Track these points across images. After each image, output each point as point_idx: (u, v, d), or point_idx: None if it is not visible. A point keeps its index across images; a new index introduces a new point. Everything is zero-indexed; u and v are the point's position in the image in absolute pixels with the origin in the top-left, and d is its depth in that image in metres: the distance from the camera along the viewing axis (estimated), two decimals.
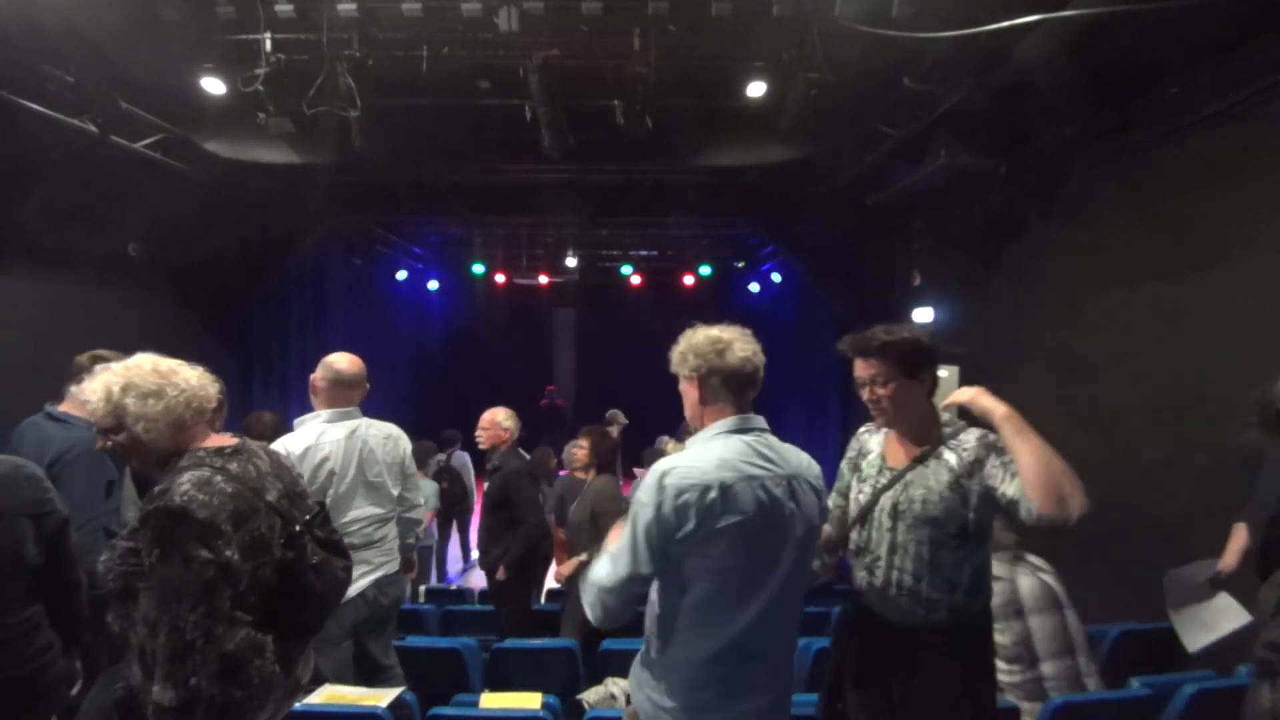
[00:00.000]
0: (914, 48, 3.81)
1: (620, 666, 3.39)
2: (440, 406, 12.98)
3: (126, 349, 1.85)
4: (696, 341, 1.86)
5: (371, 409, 3.19)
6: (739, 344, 1.83)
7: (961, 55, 3.94)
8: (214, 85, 4.66)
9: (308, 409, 3.10)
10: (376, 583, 2.96)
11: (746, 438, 1.79)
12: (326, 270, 9.73)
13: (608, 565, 1.73)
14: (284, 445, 2.83)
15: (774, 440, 1.84)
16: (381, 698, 2.50)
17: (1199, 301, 3.72)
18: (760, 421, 1.84)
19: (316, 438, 2.87)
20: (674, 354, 1.90)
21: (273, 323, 8.61)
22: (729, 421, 1.81)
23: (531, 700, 2.79)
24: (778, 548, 1.76)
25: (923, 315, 6.97)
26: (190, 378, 1.79)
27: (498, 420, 4.28)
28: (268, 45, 4.22)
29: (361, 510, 2.95)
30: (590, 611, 1.75)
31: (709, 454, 1.74)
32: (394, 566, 3.09)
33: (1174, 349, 3.86)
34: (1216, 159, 3.63)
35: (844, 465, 2.39)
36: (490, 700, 2.82)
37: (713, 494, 1.67)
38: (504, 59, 4.53)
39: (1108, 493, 4.28)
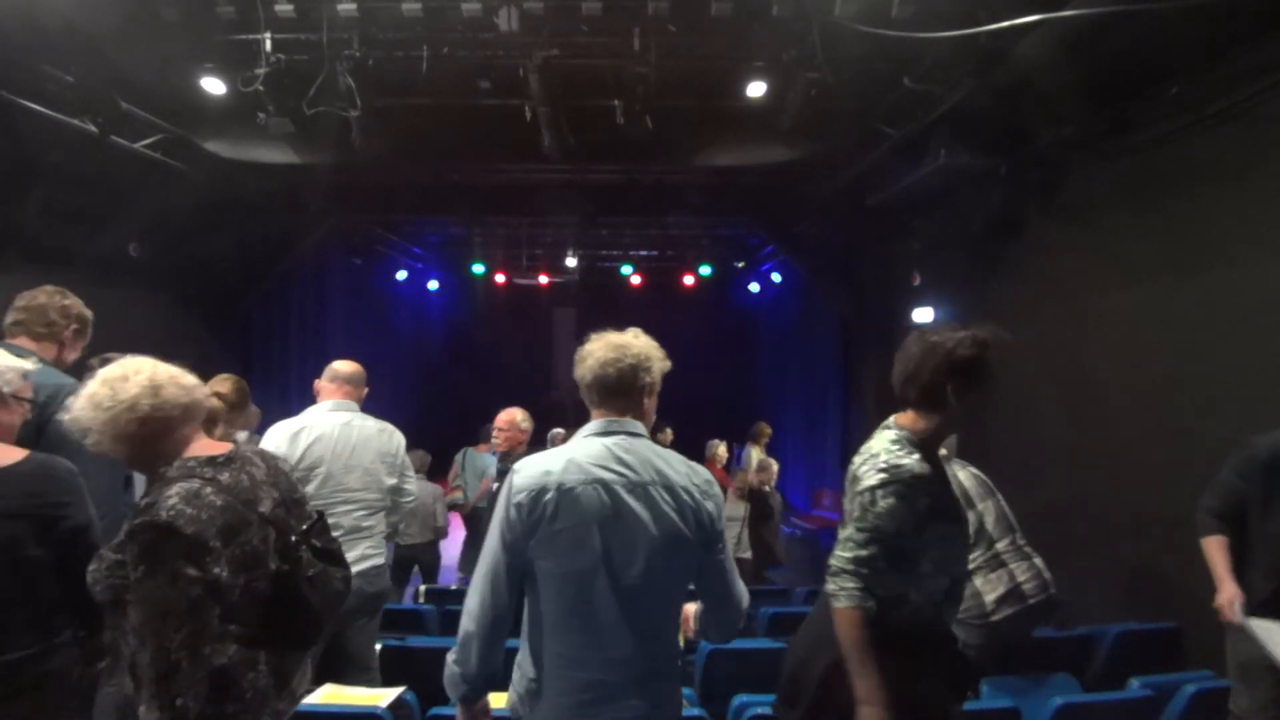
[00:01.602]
0: (914, 48, 3.81)
1: None
2: (440, 407, 13.00)
3: (127, 349, 1.83)
4: (584, 346, 1.89)
5: (371, 409, 3.29)
6: (600, 352, 1.83)
7: (961, 55, 3.94)
8: (214, 85, 4.66)
9: (308, 408, 3.20)
10: (362, 573, 2.95)
11: (608, 440, 1.77)
12: (326, 270, 9.73)
13: (469, 602, 1.75)
14: (279, 427, 2.99)
15: (641, 445, 1.79)
16: (381, 698, 2.50)
17: (1199, 301, 3.72)
18: (631, 425, 1.81)
19: (312, 420, 3.04)
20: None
21: (273, 323, 8.62)
22: (595, 424, 1.82)
23: None
24: (627, 554, 1.70)
25: (923, 315, 6.97)
26: (139, 388, 1.63)
27: (515, 421, 4.22)
28: (268, 45, 4.22)
29: (353, 494, 3.03)
30: (450, 670, 1.77)
31: (561, 455, 1.75)
32: (380, 559, 3.13)
33: (1174, 349, 3.86)
34: (1216, 159, 3.64)
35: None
36: (490, 700, 2.82)
37: (549, 495, 1.67)
38: (504, 59, 4.54)
39: (1108, 493, 4.30)
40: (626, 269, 12.33)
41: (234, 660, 1.60)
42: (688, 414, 9.87)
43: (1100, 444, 4.31)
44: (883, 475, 1.89)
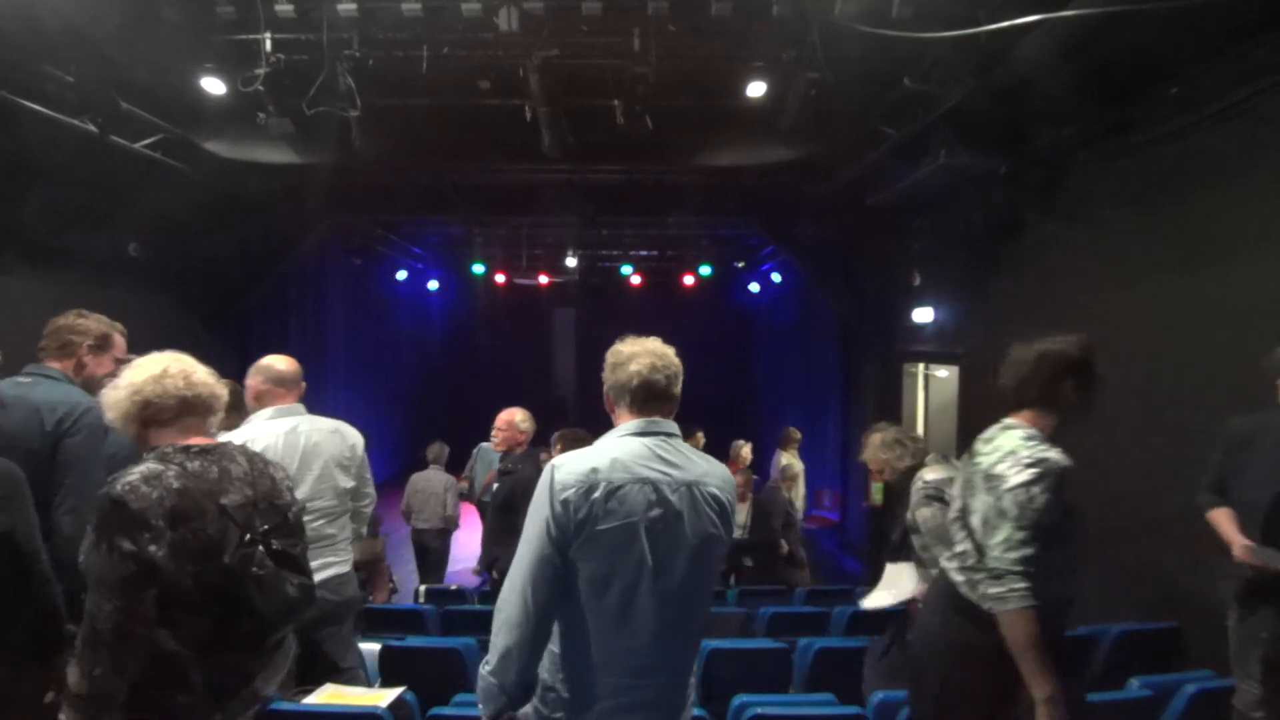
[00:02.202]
0: (914, 48, 3.81)
1: None
2: (440, 406, 13.00)
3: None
4: (612, 350, 1.90)
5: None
6: (646, 358, 1.82)
7: (961, 55, 3.94)
8: (214, 85, 4.66)
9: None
10: (324, 583, 2.84)
11: (648, 440, 1.74)
12: (326, 270, 9.74)
13: (507, 610, 1.64)
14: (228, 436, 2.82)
15: (681, 445, 1.79)
16: (381, 698, 2.50)
17: (1199, 301, 3.72)
18: (668, 426, 1.80)
19: (254, 433, 2.83)
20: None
21: (273, 323, 8.62)
22: (633, 424, 1.78)
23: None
24: (670, 555, 1.68)
25: (923, 315, 6.97)
26: (146, 379, 1.80)
27: (514, 421, 4.21)
28: (268, 45, 4.22)
29: (306, 504, 2.82)
30: (486, 683, 1.66)
31: (603, 453, 1.70)
32: (346, 566, 3.02)
33: (1174, 348, 3.86)
34: (1216, 159, 3.63)
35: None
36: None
37: (597, 494, 1.62)
38: (504, 59, 4.53)
39: (1108, 492, 4.29)
40: (626, 269, 12.34)
41: (184, 650, 1.63)
42: (688, 414, 9.88)
43: (1100, 444, 4.31)
44: (1034, 470, 1.94)
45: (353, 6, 4.04)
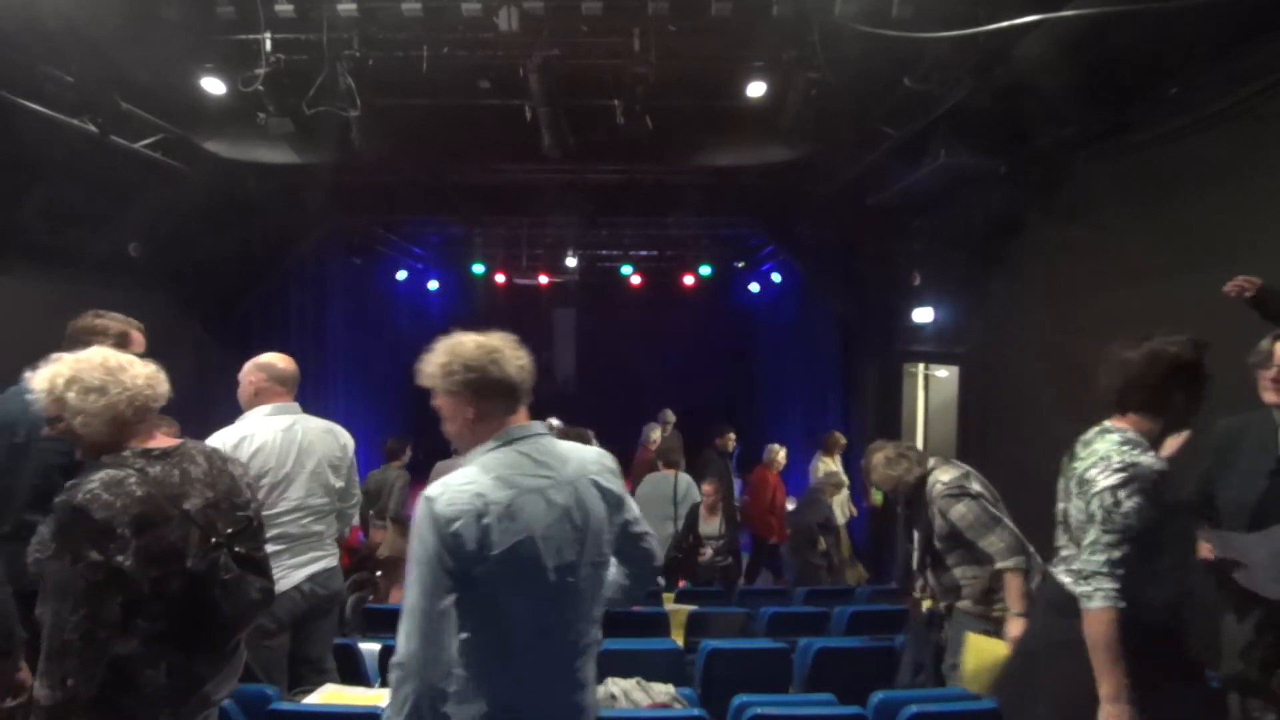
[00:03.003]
0: (914, 48, 3.81)
1: (620, 666, 3.39)
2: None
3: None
4: (466, 351, 1.75)
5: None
6: (509, 351, 1.76)
7: (961, 55, 3.94)
8: (214, 85, 4.66)
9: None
10: (313, 576, 2.94)
11: (522, 446, 1.68)
12: (326, 270, 9.73)
13: (403, 630, 1.52)
14: (219, 438, 2.83)
15: (548, 442, 1.74)
16: (381, 697, 2.50)
17: (1199, 301, 3.72)
18: (536, 427, 1.74)
19: (253, 429, 2.88)
20: (434, 366, 1.76)
21: (273, 323, 8.61)
22: (503, 434, 1.70)
23: None
24: (571, 555, 1.66)
25: (923, 315, 6.97)
26: (138, 376, 1.77)
27: None
28: (268, 45, 4.22)
29: (300, 502, 2.93)
30: (403, 697, 1.50)
31: (482, 473, 1.62)
32: (332, 561, 3.07)
33: None
34: (1216, 159, 3.63)
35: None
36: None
37: (488, 519, 1.55)
38: (504, 59, 4.53)
39: None
40: (626, 269, 12.33)
41: (134, 653, 1.62)
42: (688, 414, 9.88)
43: None
44: (1122, 475, 1.97)
45: (353, 6, 4.04)
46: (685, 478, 6.12)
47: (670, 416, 9.10)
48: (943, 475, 3.14)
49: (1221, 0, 3.02)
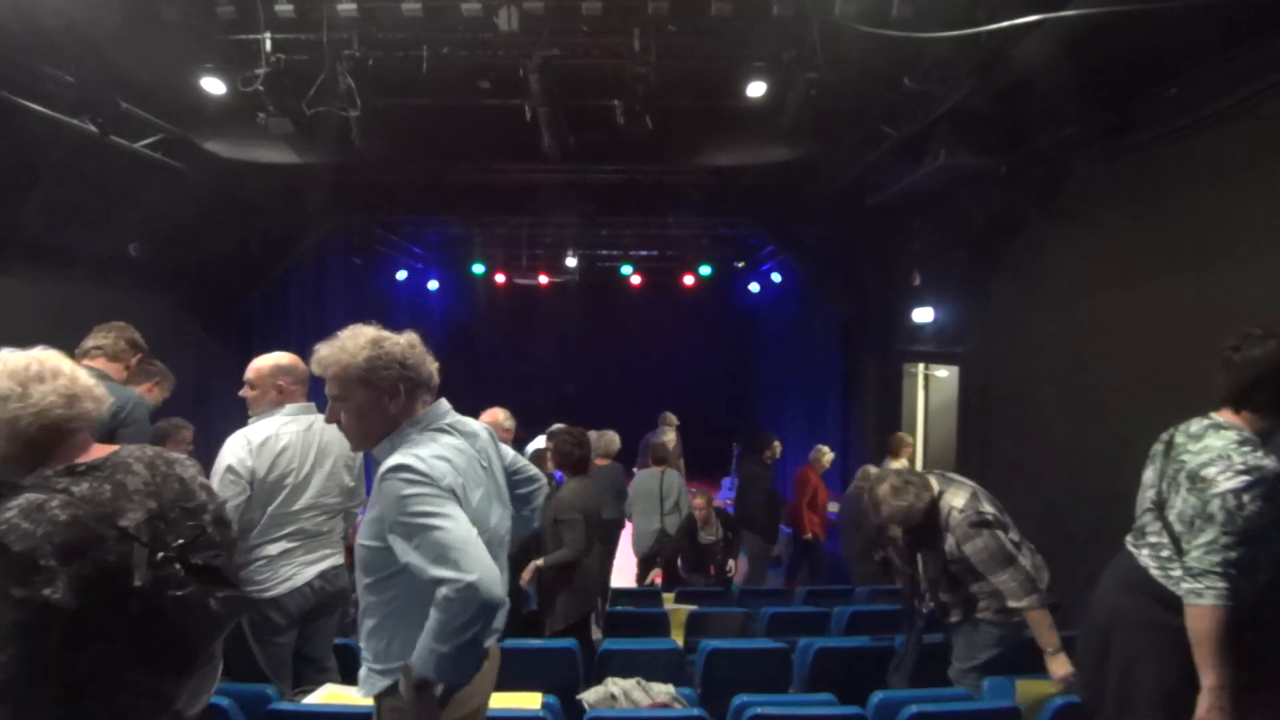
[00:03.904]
0: (914, 48, 3.81)
1: (620, 667, 3.39)
2: None
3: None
4: (398, 349, 1.91)
5: None
6: (420, 347, 1.98)
7: (961, 55, 3.94)
8: (214, 85, 4.66)
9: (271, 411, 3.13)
10: (323, 573, 3.00)
11: (449, 422, 1.95)
12: (326, 270, 9.73)
13: (457, 559, 1.65)
14: (245, 435, 2.88)
15: (463, 419, 2.02)
16: None
17: (1199, 301, 3.72)
18: (447, 406, 1.99)
19: (277, 429, 2.93)
20: (358, 359, 1.85)
21: (273, 323, 8.62)
22: (428, 415, 1.92)
23: (531, 700, 2.79)
24: (500, 509, 2.04)
25: (923, 315, 6.97)
26: (56, 391, 1.57)
27: (498, 420, 4.28)
28: (268, 45, 4.22)
29: (315, 500, 2.98)
30: (470, 617, 1.66)
31: (436, 445, 1.84)
32: (340, 559, 3.12)
33: (1174, 348, 3.85)
34: (1216, 159, 3.63)
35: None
36: (490, 700, 2.82)
37: (461, 478, 1.81)
38: (504, 59, 4.53)
39: (1108, 492, 4.28)
40: (626, 269, 12.34)
41: (97, 675, 1.50)
42: (688, 414, 9.88)
43: (1100, 444, 4.31)
44: (1246, 478, 1.97)
45: (353, 6, 4.04)
46: (673, 474, 6.45)
47: (673, 419, 9.12)
48: (955, 500, 3.01)
49: (1221, 0, 3.02)
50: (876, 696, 2.76)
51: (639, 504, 6.38)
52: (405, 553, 1.70)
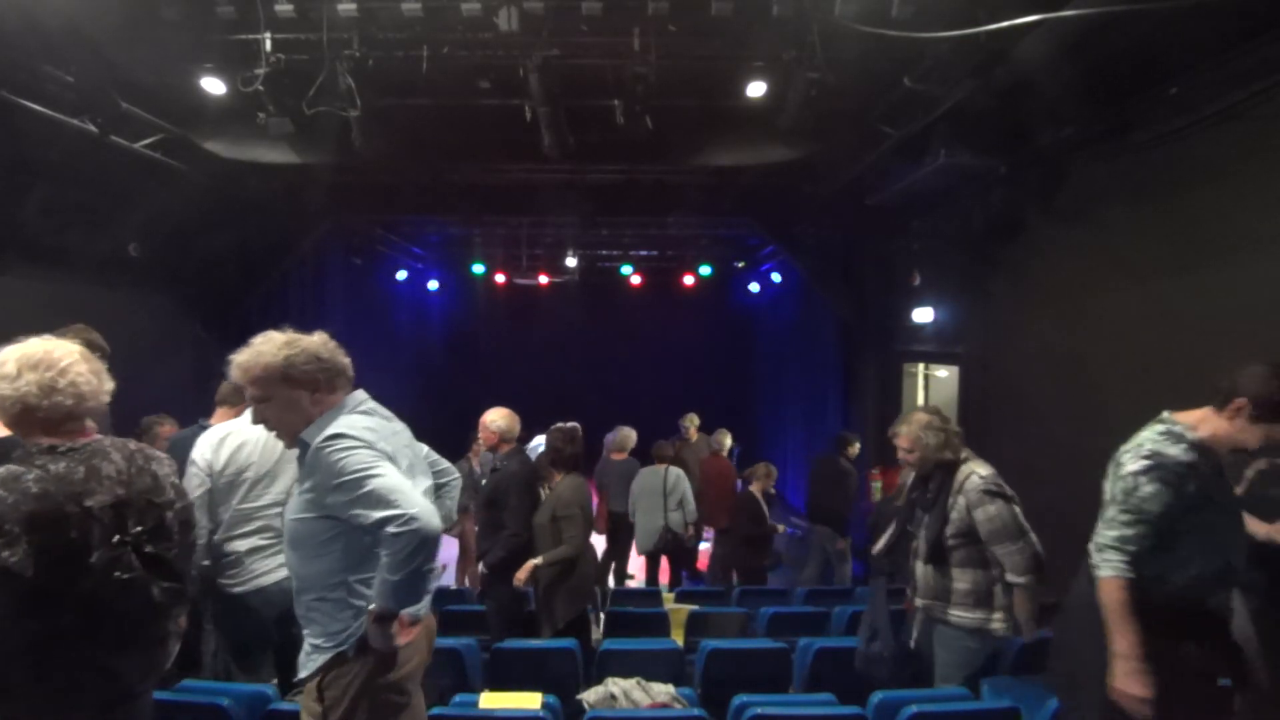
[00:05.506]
0: (914, 48, 3.81)
1: (620, 667, 3.39)
2: (439, 406, 12.99)
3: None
4: (312, 347, 2.06)
5: None
6: (333, 342, 2.14)
7: (961, 55, 3.94)
8: (214, 85, 4.66)
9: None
10: None
11: (369, 407, 2.12)
12: (326, 270, 9.72)
13: (395, 498, 1.82)
14: (210, 432, 3.05)
15: (377, 404, 2.17)
16: None
17: (1199, 301, 3.72)
18: (364, 394, 2.16)
19: (235, 426, 3.06)
20: (276, 360, 2.01)
21: (273, 323, 8.47)
22: (347, 402, 2.09)
23: (531, 700, 2.79)
24: (425, 482, 2.23)
25: (923, 315, 6.97)
26: (37, 381, 1.73)
27: (485, 422, 4.28)
28: (268, 45, 4.21)
29: (282, 496, 3.04)
30: (414, 544, 1.82)
31: (353, 417, 2.01)
32: None
33: (1174, 348, 3.86)
34: (1216, 159, 3.63)
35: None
36: (490, 700, 2.83)
37: (390, 444, 2.01)
38: (504, 59, 4.53)
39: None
40: (626, 269, 12.34)
41: (48, 642, 1.61)
42: (687, 413, 9.86)
43: (1100, 444, 4.31)
44: (1146, 462, 2.12)
45: (353, 6, 4.04)
46: (675, 471, 6.54)
47: (694, 420, 9.14)
48: (980, 469, 3.01)
49: (1221, 0, 3.02)
50: (876, 696, 2.76)
51: (643, 501, 6.44)
52: (347, 508, 1.86)
